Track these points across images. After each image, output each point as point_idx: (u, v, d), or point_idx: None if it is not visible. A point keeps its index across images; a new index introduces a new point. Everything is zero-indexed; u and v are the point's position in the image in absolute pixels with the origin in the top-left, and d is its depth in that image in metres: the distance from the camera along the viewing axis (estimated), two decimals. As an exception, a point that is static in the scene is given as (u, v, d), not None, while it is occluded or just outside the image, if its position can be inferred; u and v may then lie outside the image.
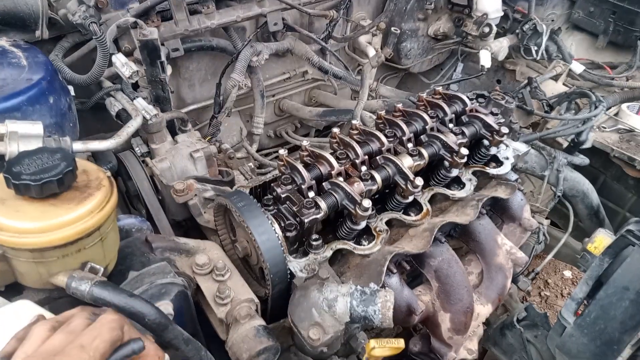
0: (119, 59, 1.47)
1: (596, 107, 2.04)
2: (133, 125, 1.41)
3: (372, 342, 1.21)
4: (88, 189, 0.95)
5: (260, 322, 1.19)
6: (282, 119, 2.77)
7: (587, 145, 2.14)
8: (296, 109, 2.62)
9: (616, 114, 2.37)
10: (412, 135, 1.55)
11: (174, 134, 1.76)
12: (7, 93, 1.15)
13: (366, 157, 1.46)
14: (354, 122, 1.56)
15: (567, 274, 3.93)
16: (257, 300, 1.23)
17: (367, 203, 1.28)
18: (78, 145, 1.22)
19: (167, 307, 1.15)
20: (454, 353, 1.51)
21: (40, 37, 1.55)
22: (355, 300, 1.14)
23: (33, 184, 0.87)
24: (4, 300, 1.01)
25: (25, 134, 1.10)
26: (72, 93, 1.60)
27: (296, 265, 1.30)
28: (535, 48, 2.54)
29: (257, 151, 2.55)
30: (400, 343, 1.22)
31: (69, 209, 0.90)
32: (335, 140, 1.51)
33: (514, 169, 1.70)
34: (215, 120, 2.12)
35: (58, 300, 1.05)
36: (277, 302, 1.33)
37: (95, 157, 1.49)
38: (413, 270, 1.50)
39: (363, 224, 1.36)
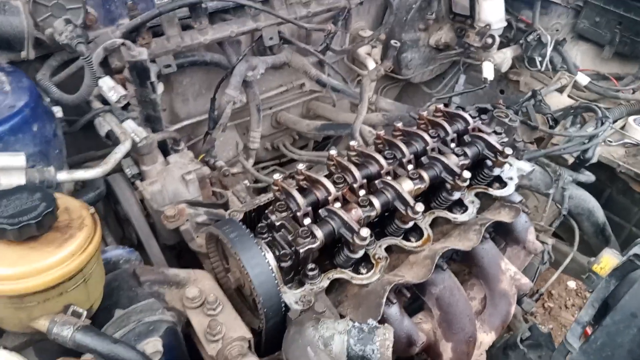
0: (106, 83, 1.42)
1: (602, 123, 1.99)
2: (121, 150, 1.36)
3: None
4: (70, 230, 0.90)
5: (253, 359, 1.14)
6: (279, 131, 2.72)
7: (593, 160, 2.08)
8: (293, 122, 2.56)
9: (622, 127, 2.31)
10: (412, 156, 1.50)
11: (166, 153, 1.71)
12: (-13, 123, 1.10)
13: (364, 181, 1.41)
14: (351, 143, 1.50)
15: (572, 284, 3.86)
16: (249, 335, 1.17)
17: (365, 232, 1.23)
18: (63, 176, 1.17)
19: (156, 344, 1.10)
20: (456, 383, 1.46)
21: (27, 57, 1.50)
22: (353, 338, 1.08)
23: (10, 228, 0.82)
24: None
25: (6, 167, 1.05)
26: (61, 114, 1.55)
27: (291, 296, 1.25)
28: (540, 59, 2.49)
29: (255, 164, 2.50)
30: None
31: (49, 253, 0.85)
32: (332, 163, 1.46)
33: (518, 187, 1.65)
34: (209, 136, 2.07)
35: (41, 342, 1.01)
36: (271, 335, 1.28)
37: (83, 182, 1.43)
38: (413, 296, 1.44)
39: (361, 253, 1.31)
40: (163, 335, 1.11)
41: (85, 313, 0.92)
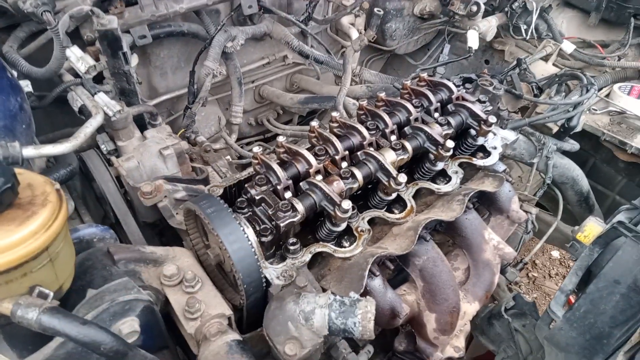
0: (73, 53, 1.36)
1: (587, 91, 1.96)
2: (92, 124, 1.30)
3: None
4: (32, 207, 0.85)
5: (233, 336, 1.11)
6: (262, 105, 2.66)
7: (578, 129, 2.07)
8: (277, 96, 2.50)
9: (607, 95, 2.29)
10: (395, 127, 1.46)
11: (143, 128, 1.65)
12: (-57, 97, 1.03)
13: (347, 152, 1.38)
14: (333, 114, 1.46)
15: (555, 254, 3.91)
16: (229, 312, 1.15)
17: (347, 204, 1.20)
18: (29, 151, 1.12)
19: (132, 323, 1.07)
20: (440, 353, 1.46)
21: (-11, 28, 1.42)
22: (334, 312, 1.06)
23: (-35, 206, 0.77)
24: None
25: (-34, 142, 0.99)
26: (29, 88, 1.49)
27: (272, 272, 1.23)
28: (525, 27, 2.44)
29: (238, 139, 2.45)
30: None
31: (10, 231, 0.81)
32: (314, 135, 1.42)
33: (502, 157, 1.62)
34: (189, 110, 2.01)
35: (8, 326, 0.97)
36: (253, 311, 1.26)
37: (55, 159, 1.38)
38: (397, 268, 1.43)
39: (344, 226, 1.28)
40: (140, 314, 1.07)
41: (52, 294, 0.89)
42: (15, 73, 1.48)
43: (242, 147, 2.34)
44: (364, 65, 2.89)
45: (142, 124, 1.68)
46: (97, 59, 1.60)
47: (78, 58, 1.35)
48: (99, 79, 1.66)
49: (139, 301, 1.05)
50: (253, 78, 2.50)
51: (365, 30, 2.44)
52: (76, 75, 1.63)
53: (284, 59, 2.51)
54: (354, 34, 2.44)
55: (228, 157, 1.89)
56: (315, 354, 1.13)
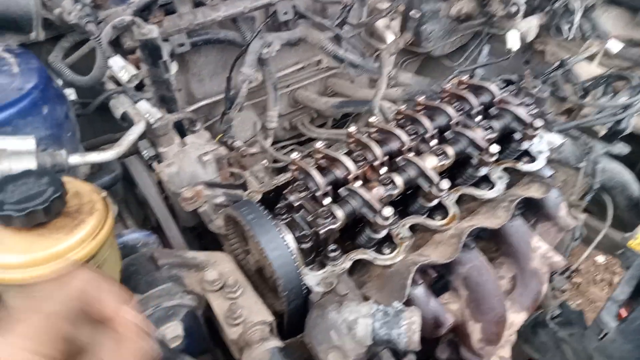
0: (116, 63, 1.38)
1: (638, 92, 1.87)
2: (135, 132, 1.33)
3: None
4: (80, 215, 0.86)
5: (275, 343, 1.11)
6: (297, 110, 2.66)
7: (627, 131, 1.97)
8: (311, 100, 2.50)
9: (658, 95, 2.18)
10: (436, 131, 1.43)
11: (182, 134, 1.67)
12: (-4, 106, 1.07)
13: (386, 158, 1.35)
14: (371, 119, 1.44)
15: (600, 259, 3.75)
16: (271, 319, 1.14)
17: (387, 212, 1.17)
18: (75, 159, 1.14)
19: (176, 328, 1.08)
20: (485, 363, 1.42)
21: (36, 39, 1.46)
22: (378, 322, 1.04)
23: (17, 215, 0.79)
24: None
25: (16, 151, 1.02)
26: (74, 96, 1.52)
27: (312, 279, 1.21)
28: (568, 26, 2.35)
29: (273, 144, 2.45)
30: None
31: (58, 240, 0.82)
32: (351, 140, 1.40)
33: (548, 160, 1.56)
34: (226, 116, 2.02)
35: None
36: (293, 317, 1.25)
37: (100, 166, 1.41)
38: (437, 275, 1.39)
39: (384, 233, 1.26)
40: (183, 319, 1.09)
41: (101, 299, 0.90)
42: (60, 82, 1.52)
43: (277, 151, 2.35)
44: (399, 69, 2.84)
45: (181, 130, 1.70)
46: (137, 67, 1.63)
47: (120, 67, 1.38)
48: (139, 86, 1.69)
49: (183, 306, 1.06)
50: (288, 83, 2.50)
51: (401, 32, 2.40)
52: (117, 83, 1.67)
53: (318, 63, 2.50)
54: (389, 37, 2.41)
55: (265, 161, 1.89)
56: (358, 363, 1.11)
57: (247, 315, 1.11)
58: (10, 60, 1.20)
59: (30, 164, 1.04)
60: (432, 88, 1.96)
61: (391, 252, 1.28)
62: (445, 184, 1.26)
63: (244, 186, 1.58)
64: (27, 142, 1.03)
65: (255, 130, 2.47)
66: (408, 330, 1.01)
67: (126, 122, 1.57)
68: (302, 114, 2.71)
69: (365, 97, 2.36)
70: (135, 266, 1.13)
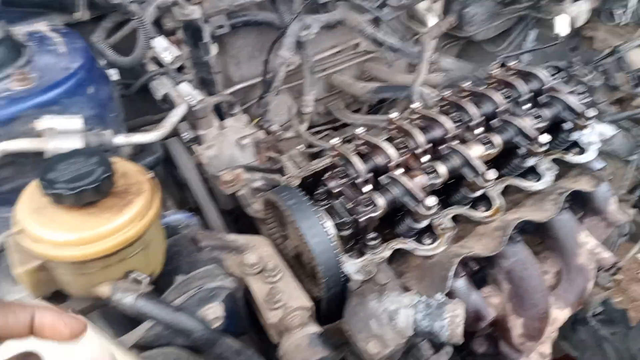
0: (159, 44, 1.38)
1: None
2: (177, 114, 1.33)
3: None
4: (128, 195, 0.87)
5: (314, 329, 1.11)
6: (332, 94, 2.62)
7: (683, 123, 1.87)
8: (348, 85, 2.46)
9: None
10: (482, 119, 1.38)
11: (220, 117, 1.67)
12: (44, 85, 1.07)
13: (429, 145, 1.31)
14: (413, 105, 1.40)
15: (641, 256, 3.62)
16: (310, 304, 1.13)
17: (431, 201, 1.14)
18: (120, 139, 1.15)
19: (217, 309, 1.09)
20: (525, 358, 1.38)
21: (81, 18, 1.47)
22: (420, 313, 1.02)
23: (68, 193, 0.80)
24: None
25: (64, 130, 1.03)
26: (117, 77, 1.53)
27: (352, 266, 1.19)
28: (622, 10, 2.23)
29: (308, 128, 2.43)
30: None
31: (108, 219, 0.83)
32: (393, 127, 1.36)
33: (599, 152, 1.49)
34: (263, 100, 2.01)
35: (104, 306, 1.01)
36: (331, 305, 1.24)
37: (142, 146, 1.42)
38: (480, 267, 1.36)
39: (425, 223, 1.23)
40: (224, 301, 1.09)
41: (147, 280, 0.91)
42: (103, 62, 1.53)
43: (311, 136, 2.33)
44: (439, 53, 2.76)
45: (219, 112, 1.70)
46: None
47: (164, 48, 1.38)
48: (178, 68, 1.69)
49: (224, 288, 1.07)
50: (324, 67, 2.46)
51: (444, 15, 2.33)
52: (158, 64, 1.67)
53: (355, 47, 2.45)
54: (431, 20, 2.34)
55: (302, 145, 1.87)
56: (397, 353, 1.10)
57: (287, 300, 1.11)
58: (57, 40, 1.21)
59: (77, 143, 1.06)
60: (476, 74, 1.90)
61: (432, 243, 1.25)
62: (492, 174, 1.21)
63: (281, 170, 1.57)
64: (75, 122, 1.04)
65: (290, 115, 2.45)
66: (451, 323, 0.99)
67: (167, 103, 1.58)
68: (338, 98, 2.67)
69: (403, 83, 2.31)
70: (178, 247, 1.14)
